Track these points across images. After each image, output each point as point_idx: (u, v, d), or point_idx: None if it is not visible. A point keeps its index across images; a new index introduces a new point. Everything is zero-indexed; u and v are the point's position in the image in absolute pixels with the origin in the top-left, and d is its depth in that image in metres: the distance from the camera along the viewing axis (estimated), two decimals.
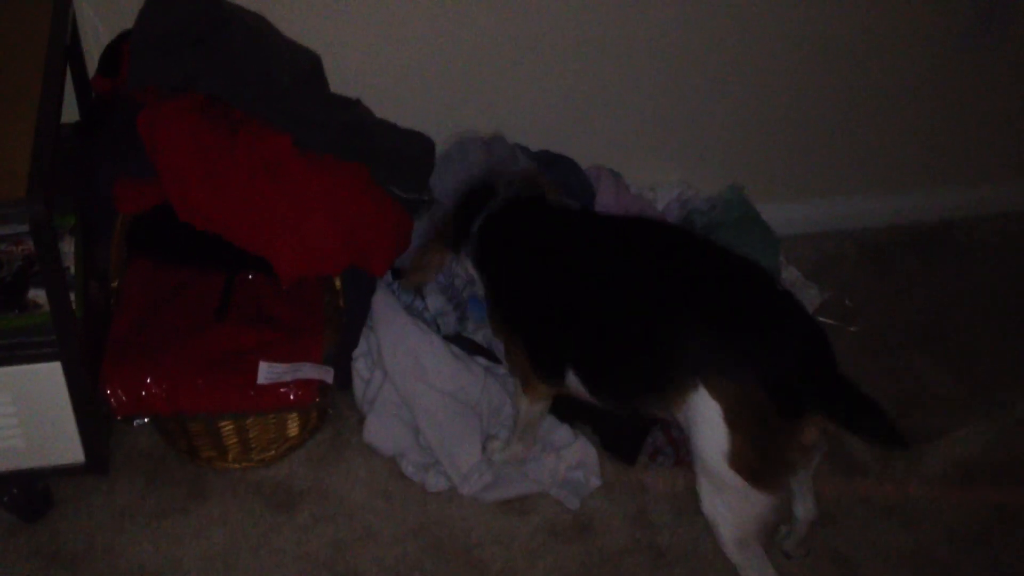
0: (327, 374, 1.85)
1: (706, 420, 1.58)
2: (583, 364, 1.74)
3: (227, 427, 1.91)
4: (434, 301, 2.11)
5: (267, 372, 1.82)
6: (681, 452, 2.01)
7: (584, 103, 2.33)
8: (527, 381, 1.87)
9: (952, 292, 2.52)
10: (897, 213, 2.67)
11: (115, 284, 1.98)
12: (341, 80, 2.10)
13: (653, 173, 2.46)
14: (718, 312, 1.61)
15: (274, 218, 1.86)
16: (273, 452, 2.00)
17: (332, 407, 2.06)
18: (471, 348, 2.12)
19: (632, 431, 2.04)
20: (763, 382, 1.54)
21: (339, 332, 1.95)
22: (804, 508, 1.86)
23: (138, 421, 1.88)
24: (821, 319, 2.38)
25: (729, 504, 1.63)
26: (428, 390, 1.98)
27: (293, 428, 1.98)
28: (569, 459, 1.99)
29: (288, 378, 1.83)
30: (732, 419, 1.56)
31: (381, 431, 2.02)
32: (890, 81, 2.46)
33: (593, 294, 1.70)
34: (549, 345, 1.79)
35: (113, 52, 2.00)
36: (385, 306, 2.04)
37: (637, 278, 1.69)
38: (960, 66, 2.47)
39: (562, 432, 2.04)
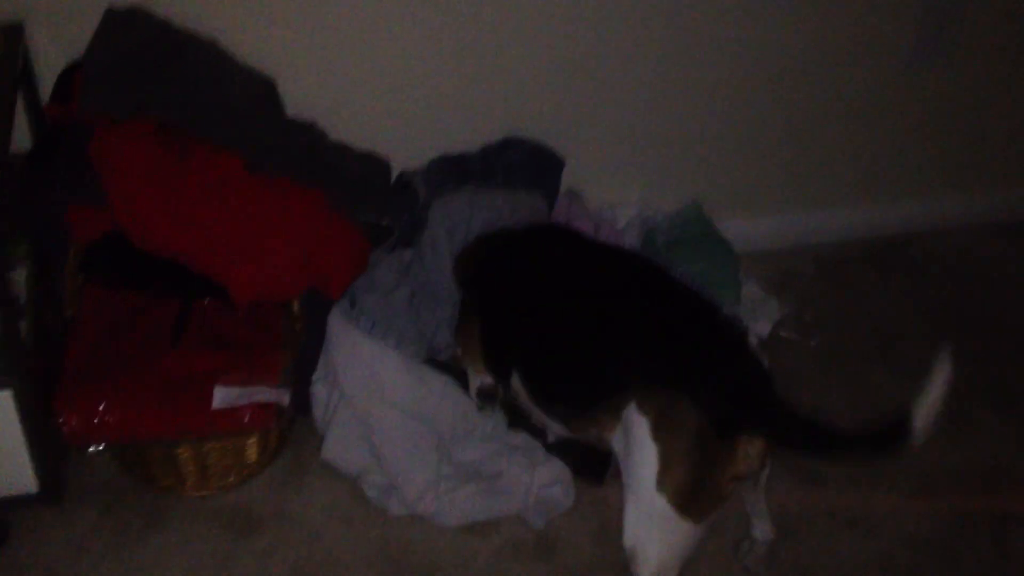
0: (283, 397, 1.84)
1: (635, 439, 1.54)
2: (526, 367, 1.76)
3: (184, 454, 1.88)
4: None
5: (222, 396, 1.80)
6: None
7: (542, 122, 2.32)
8: (476, 367, 1.92)
9: (909, 306, 2.53)
10: (853, 228, 2.69)
11: (70, 312, 1.96)
12: (296, 103, 2.11)
13: (612, 191, 2.47)
14: (655, 330, 1.60)
15: (227, 242, 1.85)
16: (232, 479, 1.97)
17: (290, 430, 2.03)
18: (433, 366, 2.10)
19: (598, 451, 1.99)
20: (694, 397, 1.49)
21: (296, 355, 1.94)
22: (761, 529, 1.86)
23: (94, 448, 1.85)
24: (782, 334, 2.40)
25: (653, 534, 1.56)
26: (384, 409, 1.96)
27: (252, 453, 1.96)
28: (545, 476, 1.97)
29: (244, 402, 1.81)
30: (660, 435, 1.50)
31: (340, 448, 2.00)
32: (844, 99, 2.49)
33: (544, 302, 1.74)
34: (500, 345, 1.82)
35: (67, 79, 1.99)
36: (339, 325, 2.02)
37: (586, 294, 1.72)
38: (911, 83, 2.50)
39: (540, 451, 2.02)
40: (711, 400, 1.50)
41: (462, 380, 2.08)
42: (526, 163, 2.27)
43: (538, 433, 2.05)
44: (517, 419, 2.05)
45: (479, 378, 2.00)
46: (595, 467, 2.03)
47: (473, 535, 1.94)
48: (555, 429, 1.84)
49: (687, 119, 2.42)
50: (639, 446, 1.53)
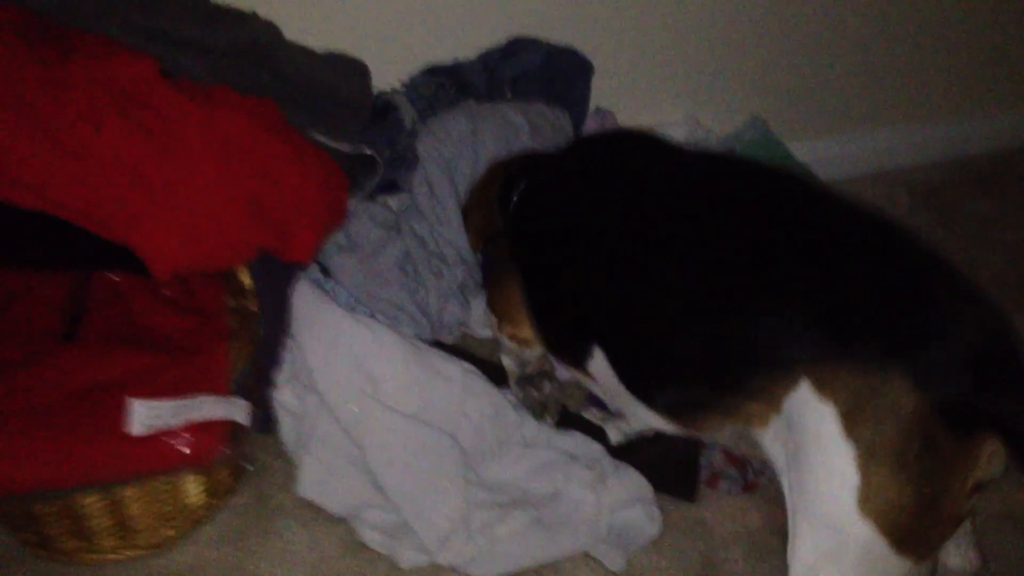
0: (237, 410, 1.41)
1: (813, 437, 1.14)
2: (615, 341, 1.36)
3: (93, 504, 1.40)
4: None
5: (144, 415, 1.34)
6: (750, 472, 1.61)
7: (560, 23, 2.02)
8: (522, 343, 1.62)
9: None
10: (950, 145, 2.46)
11: None
12: None
13: (652, 110, 2.18)
14: (834, 273, 1.18)
15: (138, 184, 1.44)
16: (170, 532, 1.51)
17: (249, 459, 1.62)
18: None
19: (683, 453, 1.62)
20: (912, 371, 1.09)
21: (252, 349, 1.52)
22: (965, 557, 1.42)
23: None
24: None
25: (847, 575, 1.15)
26: (381, 416, 1.58)
27: (196, 495, 1.52)
28: (618, 493, 1.56)
29: (177, 421, 1.36)
30: (859, 430, 1.10)
31: (322, 478, 1.62)
32: None
33: (637, 245, 1.34)
34: (567, 314, 1.46)
35: None
36: (309, 302, 1.63)
37: (706, 226, 1.30)
38: None
39: (606, 458, 1.62)
40: (939, 375, 1.08)
41: (485, 368, 1.69)
42: (542, 70, 1.97)
43: (595, 432, 1.66)
44: (567, 414, 1.68)
45: (523, 357, 1.63)
46: (683, 476, 1.63)
47: None
48: (641, 421, 1.42)
49: (743, 20, 2.13)
50: (821, 448, 1.13)
